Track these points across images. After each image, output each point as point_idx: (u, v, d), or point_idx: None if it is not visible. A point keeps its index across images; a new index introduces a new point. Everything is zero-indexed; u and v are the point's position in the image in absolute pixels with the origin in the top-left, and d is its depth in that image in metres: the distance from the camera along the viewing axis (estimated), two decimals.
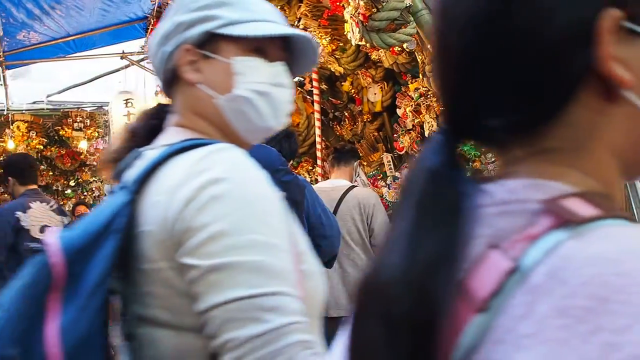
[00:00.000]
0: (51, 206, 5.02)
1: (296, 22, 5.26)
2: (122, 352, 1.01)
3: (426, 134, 4.90)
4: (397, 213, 0.59)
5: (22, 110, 12.00)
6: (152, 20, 7.20)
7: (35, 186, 5.02)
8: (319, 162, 5.71)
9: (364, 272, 0.59)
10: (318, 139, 5.78)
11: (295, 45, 1.25)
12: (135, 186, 1.06)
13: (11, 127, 11.90)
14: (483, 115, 0.60)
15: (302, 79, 6.55)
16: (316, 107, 5.90)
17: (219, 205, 0.99)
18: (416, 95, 4.95)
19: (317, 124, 5.88)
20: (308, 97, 6.27)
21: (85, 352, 0.96)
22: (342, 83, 6.00)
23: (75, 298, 0.97)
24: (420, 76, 4.71)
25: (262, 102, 1.18)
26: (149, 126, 1.27)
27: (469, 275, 0.53)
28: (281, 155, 2.88)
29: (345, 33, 4.30)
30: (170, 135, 1.19)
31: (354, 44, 4.26)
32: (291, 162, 3.32)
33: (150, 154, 1.14)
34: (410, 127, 5.16)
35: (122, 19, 7.81)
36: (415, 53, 4.49)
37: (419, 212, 0.57)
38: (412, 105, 5.00)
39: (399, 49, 4.58)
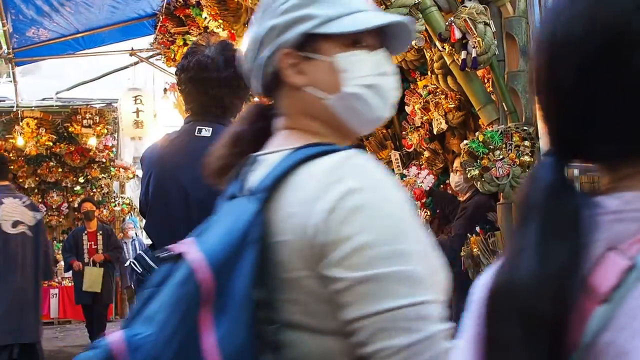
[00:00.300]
0: (24, 202, 5.10)
1: None
2: (265, 356, 1.02)
3: (434, 132, 4.89)
4: (519, 227, 0.70)
5: (32, 107, 12.04)
6: (161, 17, 7.21)
7: (7, 182, 5.09)
8: None
9: (493, 280, 0.70)
10: None
11: (390, 28, 1.22)
12: (266, 194, 1.06)
13: (21, 123, 11.94)
14: (594, 141, 0.70)
15: None
16: None
17: (360, 217, 1.01)
18: (425, 92, 4.93)
19: None
20: None
21: None
22: None
23: (226, 312, 0.99)
24: (429, 73, 4.70)
25: (371, 95, 1.17)
26: (255, 130, 1.27)
27: (591, 274, 0.64)
28: None
29: None
30: (285, 140, 1.19)
31: None
32: None
33: (271, 159, 1.15)
34: (419, 125, 5.15)
35: (131, 16, 7.83)
36: (424, 50, 4.48)
37: (543, 224, 0.68)
38: (420, 103, 4.99)
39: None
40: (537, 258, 0.66)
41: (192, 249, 1.04)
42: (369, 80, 1.17)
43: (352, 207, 1.01)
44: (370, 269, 0.99)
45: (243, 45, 1.26)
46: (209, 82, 2.30)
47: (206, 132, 2.30)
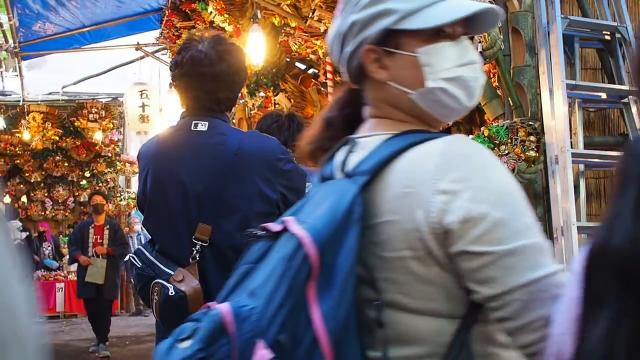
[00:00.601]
0: None
1: (311, 14, 5.24)
2: (366, 332, 1.05)
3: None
4: (617, 194, 0.78)
5: (38, 101, 12.06)
6: (167, 12, 7.21)
7: None
8: None
9: (592, 240, 0.79)
10: None
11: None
12: (369, 176, 1.09)
13: (27, 117, 11.97)
14: None
15: (317, 71, 6.53)
16: (330, 99, 5.88)
17: (488, 195, 1.03)
18: None
19: None
20: (322, 89, 6.26)
21: (345, 337, 1.00)
22: None
23: (330, 287, 1.01)
24: None
25: (455, 88, 1.16)
26: (344, 115, 1.31)
27: None
28: (288, 141, 3.01)
29: None
30: (377, 126, 1.22)
31: None
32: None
33: (369, 142, 1.17)
34: None
35: (137, 10, 7.82)
36: None
37: (639, 192, 0.75)
38: None
39: None
40: (632, 222, 0.74)
41: (295, 227, 1.06)
42: (452, 72, 1.15)
43: (478, 186, 1.03)
44: (513, 241, 1.01)
45: (328, 36, 1.29)
46: (202, 77, 2.32)
47: (202, 126, 2.32)
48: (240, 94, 6.97)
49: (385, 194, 1.08)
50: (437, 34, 1.15)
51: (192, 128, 2.32)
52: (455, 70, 1.16)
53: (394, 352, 1.07)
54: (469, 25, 1.19)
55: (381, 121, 1.22)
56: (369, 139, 1.19)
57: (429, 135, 1.13)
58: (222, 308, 1.04)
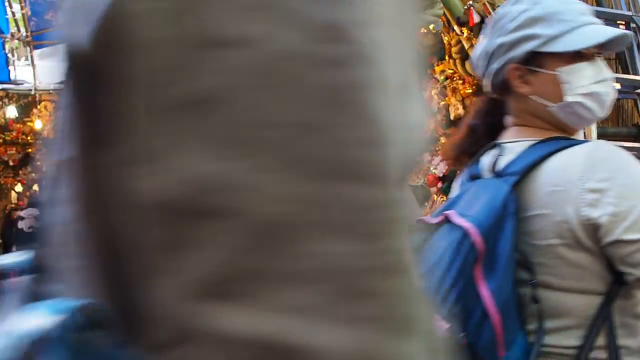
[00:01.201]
0: None
1: None
2: (522, 309, 1.26)
3: (451, 117, 4.86)
4: None
5: (50, 90, 12.10)
6: None
7: None
8: None
9: None
10: None
11: None
12: (519, 176, 1.28)
13: (38, 106, 12.01)
14: None
15: None
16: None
17: (632, 190, 1.22)
18: (442, 77, 4.91)
19: None
20: None
21: (508, 310, 1.22)
22: None
23: (494, 270, 1.22)
24: (447, 58, 4.67)
25: (590, 102, 1.34)
26: (486, 123, 1.50)
27: None
28: None
29: None
30: (519, 133, 1.41)
31: None
32: None
33: (515, 147, 1.36)
34: (436, 110, 5.13)
35: None
36: (442, 35, 4.45)
37: None
38: (437, 88, 4.96)
39: (425, 30, 4.53)
40: None
41: (459, 219, 1.27)
42: (588, 89, 1.34)
43: (622, 184, 1.22)
44: None
45: (473, 54, 1.54)
46: None
47: None
48: None
49: (536, 192, 1.27)
50: (576, 55, 1.33)
51: None
52: (591, 87, 1.34)
53: (545, 324, 1.26)
54: (602, 46, 1.36)
55: (524, 129, 1.40)
56: (515, 144, 1.37)
57: (571, 141, 1.31)
58: None
